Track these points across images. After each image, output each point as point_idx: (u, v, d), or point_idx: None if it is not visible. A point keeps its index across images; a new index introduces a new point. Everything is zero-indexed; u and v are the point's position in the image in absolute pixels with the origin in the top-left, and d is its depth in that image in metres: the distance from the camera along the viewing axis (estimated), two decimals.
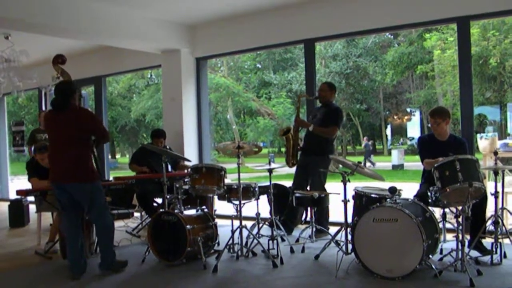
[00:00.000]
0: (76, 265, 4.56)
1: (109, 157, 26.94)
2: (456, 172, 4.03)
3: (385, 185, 4.82)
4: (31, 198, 6.99)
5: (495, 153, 4.84)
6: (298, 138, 6.20)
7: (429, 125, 5.03)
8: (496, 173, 4.75)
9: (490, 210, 4.85)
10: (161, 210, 5.25)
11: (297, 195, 5.63)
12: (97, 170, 4.83)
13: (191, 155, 7.84)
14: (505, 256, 4.62)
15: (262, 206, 5.51)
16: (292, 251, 5.30)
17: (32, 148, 8.39)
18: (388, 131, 31.79)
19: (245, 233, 5.15)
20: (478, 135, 6.88)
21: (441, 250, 4.77)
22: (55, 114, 4.58)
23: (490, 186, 5.05)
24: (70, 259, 4.59)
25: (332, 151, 6.15)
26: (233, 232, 5.09)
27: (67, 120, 4.48)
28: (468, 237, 4.63)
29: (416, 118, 30.11)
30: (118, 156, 37.68)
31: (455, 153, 4.29)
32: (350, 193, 4.78)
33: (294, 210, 6.23)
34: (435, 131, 5.00)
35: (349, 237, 4.52)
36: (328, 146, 6.06)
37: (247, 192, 5.26)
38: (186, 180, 5.43)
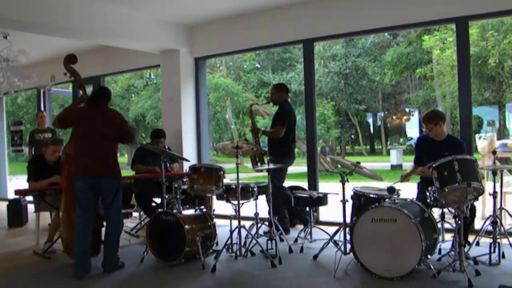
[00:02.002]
0: (83, 264, 4.56)
1: None
2: (454, 172, 4.03)
3: (384, 185, 4.82)
4: (29, 198, 7.00)
5: (494, 153, 4.84)
6: (259, 145, 6.13)
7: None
8: (494, 173, 4.76)
9: (488, 210, 4.86)
10: (159, 210, 5.24)
11: (297, 195, 5.64)
12: None
13: (189, 155, 7.84)
14: (503, 256, 4.63)
15: (260, 206, 5.51)
16: (290, 251, 5.30)
17: (33, 148, 8.42)
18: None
19: (243, 233, 5.16)
20: (477, 135, 6.90)
21: (440, 250, 4.77)
22: (92, 110, 4.72)
23: (488, 186, 5.06)
24: (79, 257, 4.57)
25: (287, 152, 6.16)
26: (231, 232, 5.09)
27: (106, 117, 4.71)
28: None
29: (414, 118, 30.15)
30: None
31: (451, 153, 4.31)
32: (349, 193, 4.78)
33: (293, 210, 6.22)
34: (430, 134, 5.03)
35: (348, 237, 4.53)
36: (281, 147, 6.10)
37: (246, 192, 5.25)
38: (184, 180, 5.43)
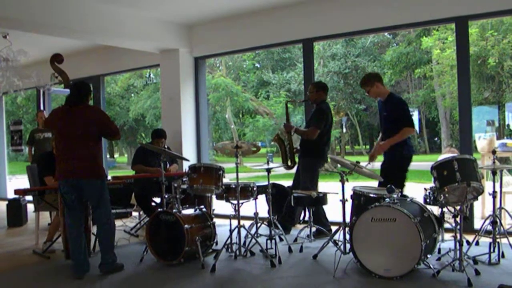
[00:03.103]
0: (80, 265, 4.55)
1: (107, 156, 26.96)
2: (454, 171, 4.03)
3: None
4: (29, 198, 7.00)
5: (493, 152, 4.84)
6: (292, 141, 6.17)
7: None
8: (494, 173, 4.76)
9: (488, 210, 4.86)
10: (159, 209, 5.24)
11: (295, 195, 5.63)
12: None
13: (189, 154, 7.84)
14: (503, 256, 4.63)
15: (260, 206, 5.51)
16: (290, 250, 5.30)
17: (33, 148, 8.41)
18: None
19: (243, 232, 5.16)
20: (477, 135, 6.89)
21: (439, 249, 4.77)
22: (68, 110, 4.60)
23: (488, 186, 5.06)
24: (74, 258, 4.58)
25: (320, 153, 6.07)
26: (231, 231, 5.09)
27: (81, 117, 4.55)
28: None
29: (414, 118, 30.14)
30: (116, 155, 37.67)
31: (388, 113, 5.10)
32: (348, 193, 4.78)
33: (292, 210, 6.22)
34: (372, 97, 5.52)
35: (347, 236, 4.52)
36: (315, 148, 6.02)
37: (245, 191, 5.24)
38: (184, 179, 5.43)
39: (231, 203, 5.21)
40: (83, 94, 4.64)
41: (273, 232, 5.25)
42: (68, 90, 4.77)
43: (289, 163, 6.15)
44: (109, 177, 6.10)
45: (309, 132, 5.97)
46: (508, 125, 18.96)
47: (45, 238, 5.70)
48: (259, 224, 5.44)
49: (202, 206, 5.34)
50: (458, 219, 4.11)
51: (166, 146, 6.89)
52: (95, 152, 4.65)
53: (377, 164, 5.23)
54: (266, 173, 5.39)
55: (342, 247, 4.62)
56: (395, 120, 5.10)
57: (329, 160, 6.14)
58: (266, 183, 5.45)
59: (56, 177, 4.74)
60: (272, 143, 5.44)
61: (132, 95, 28.65)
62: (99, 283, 4.39)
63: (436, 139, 29.57)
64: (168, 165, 6.85)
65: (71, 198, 4.56)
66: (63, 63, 5.22)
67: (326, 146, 6.14)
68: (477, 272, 4.13)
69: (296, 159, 6.22)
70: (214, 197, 5.86)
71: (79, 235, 4.60)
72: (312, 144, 5.99)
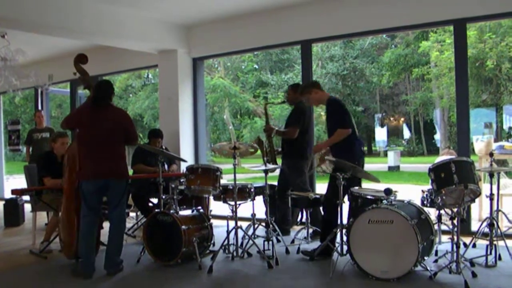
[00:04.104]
0: (90, 264, 4.55)
1: None
2: (451, 174, 4.04)
3: (381, 186, 4.83)
4: (26, 197, 6.99)
5: (491, 155, 4.85)
6: (272, 143, 6.21)
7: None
8: (491, 175, 4.76)
9: (485, 212, 4.87)
10: (156, 210, 5.24)
11: (293, 196, 5.64)
12: None
13: (187, 155, 7.83)
14: (499, 258, 4.63)
15: (257, 207, 5.50)
16: (287, 252, 5.30)
17: (30, 148, 8.39)
18: (384, 132, 31.81)
19: (240, 233, 5.15)
20: (474, 137, 6.90)
21: (436, 251, 4.77)
22: (96, 110, 4.60)
23: (485, 188, 5.07)
24: (86, 257, 4.54)
25: (300, 153, 6.11)
26: (228, 232, 5.08)
27: (110, 117, 4.59)
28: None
29: (412, 120, 30.14)
30: None
31: (327, 116, 5.14)
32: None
33: (284, 212, 6.21)
34: (312, 105, 5.65)
35: (345, 238, 4.53)
36: (297, 148, 6.08)
37: (243, 192, 5.24)
38: (181, 180, 5.42)
39: (229, 204, 5.20)
40: (110, 93, 4.70)
41: (270, 233, 5.24)
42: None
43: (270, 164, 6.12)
44: None
45: (290, 132, 6.07)
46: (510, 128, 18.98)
47: (42, 238, 5.69)
48: (256, 225, 5.44)
49: (199, 207, 5.34)
50: (455, 221, 4.12)
51: (163, 147, 6.89)
52: (122, 152, 4.71)
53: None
54: (263, 174, 5.38)
55: (339, 248, 4.62)
56: (334, 122, 5.15)
57: (327, 161, 6.12)
58: (263, 184, 5.45)
59: (78, 176, 4.65)
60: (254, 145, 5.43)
61: (130, 95, 28.66)
62: (96, 283, 4.39)
63: (433, 141, 29.61)
64: (167, 166, 6.83)
65: (95, 199, 4.56)
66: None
67: (308, 145, 6.20)
68: (474, 275, 4.14)
69: (279, 161, 6.26)
70: (211, 198, 5.86)
71: (92, 235, 4.61)
72: (294, 144, 6.07)
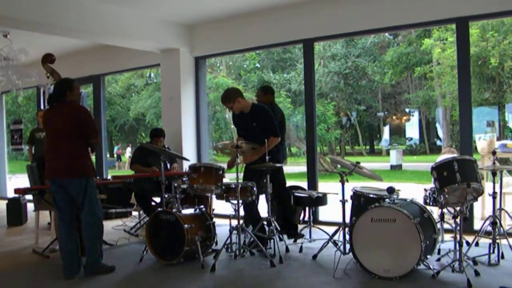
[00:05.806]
0: (69, 266, 4.50)
1: (107, 156, 26.92)
2: (454, 172, 4.03)
3: (383, 185, 4.83)
4: (29, 197, 7.00)
5: (494, 153, 4.84)
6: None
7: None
8: (494, 174, 4.75)
9: (488, 211, 4.86)
10: (159, 209, 5.24)
11: (296, 194, 5.64)
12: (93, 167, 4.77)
13: (189, 154, 7.84)
14: (502, 257, 4.63)
15: (260, 206, 5.50)
16: (289, 250, 5.30)
17: (33, 147, 8.41)
18: (387, 131, 31.79)
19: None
20: (477, 136, 6.89)
21: (439, 250, 4.77)
22: (50, 109, 4.60)
23: (488, 187, 5.06)
24: (64, 259, 4.53)
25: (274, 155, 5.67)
26: (231, 231, 5.08)
27: (62, 114, 4.48)
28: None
29: (414, 118, 30.14)
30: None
31: (258, 123, 5.22)
32: (348, 193, 4.78)
33: (287, 214, 6.15)
34: (236, 112, 5.43)
35: (347, 237, 4.53)
36: (280, 150, 5.72)
37: (245, 191, 5.24)
38: (184, 179, 5.43)
39: (231, 203, 5.20)
40: (63, 91, 4.54)
41: (272, 232, 5.24)
42: None
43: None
44: (109, 177, 6.10)
45: (272, 142, 5.35)
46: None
47: (44, 237, 5.70)
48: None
49: (202, 206, 5.33)
50: (458, 220, 4.11)
51: (166, 146, 6.89)
52: (79, 150, 4.53)
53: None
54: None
55: (342, 247, 4.63)
56: (264, 130, 5.19)
57: (329, 160, 6.13)
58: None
59: (45, 177, 4.70)
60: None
61: (133, 94, 28.69)
62: (96, 282, 4.39)
63: (435, 139, 29.59)
64: (169, 165, 6.84)
65: (58, 198, 4.52)
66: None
67: (280, 145, 5.76)
68: (477, 273, 4.13)
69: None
70: (214, 197, 5.86)
71: (68, 236, 4.53)
72: (276, 147, 5.61)
